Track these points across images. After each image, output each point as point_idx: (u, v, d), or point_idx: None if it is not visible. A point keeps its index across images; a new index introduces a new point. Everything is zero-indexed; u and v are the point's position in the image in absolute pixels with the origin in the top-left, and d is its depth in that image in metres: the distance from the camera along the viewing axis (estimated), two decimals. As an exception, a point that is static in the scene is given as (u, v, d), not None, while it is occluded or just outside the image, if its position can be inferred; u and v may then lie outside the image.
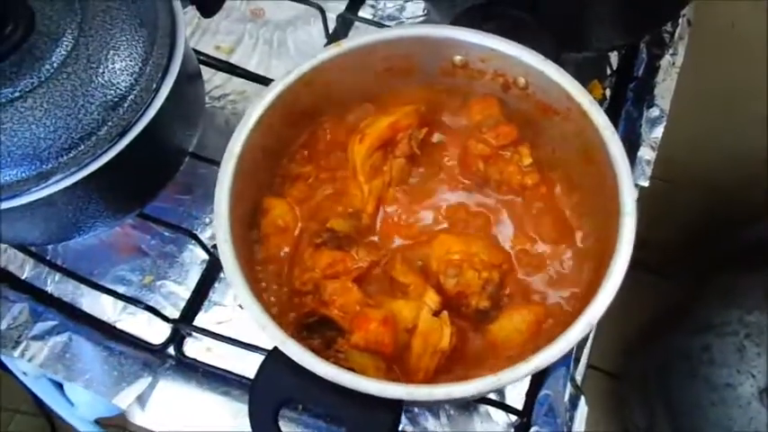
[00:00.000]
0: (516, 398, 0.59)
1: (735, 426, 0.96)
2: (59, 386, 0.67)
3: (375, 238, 0.54)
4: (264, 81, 0.72)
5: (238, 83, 0.77)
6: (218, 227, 0.48)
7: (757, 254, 1.10)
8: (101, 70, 0.53)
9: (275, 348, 0.44)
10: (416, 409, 0.60)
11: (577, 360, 0.59)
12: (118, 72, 0.54)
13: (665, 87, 0.71)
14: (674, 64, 0.72)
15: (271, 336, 0.44)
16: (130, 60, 0.54)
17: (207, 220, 0.70)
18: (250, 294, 0.45)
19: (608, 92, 0.74)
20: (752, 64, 0.99)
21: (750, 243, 1.15)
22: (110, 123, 0.53)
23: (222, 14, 0.82)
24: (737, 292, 1.05)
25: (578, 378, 0.58)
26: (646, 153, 0.67)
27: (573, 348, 0.44)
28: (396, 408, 0.44)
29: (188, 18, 0.81)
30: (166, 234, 0.69)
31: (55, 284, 0.68)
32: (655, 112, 0.70)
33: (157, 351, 0.64)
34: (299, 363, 0.43)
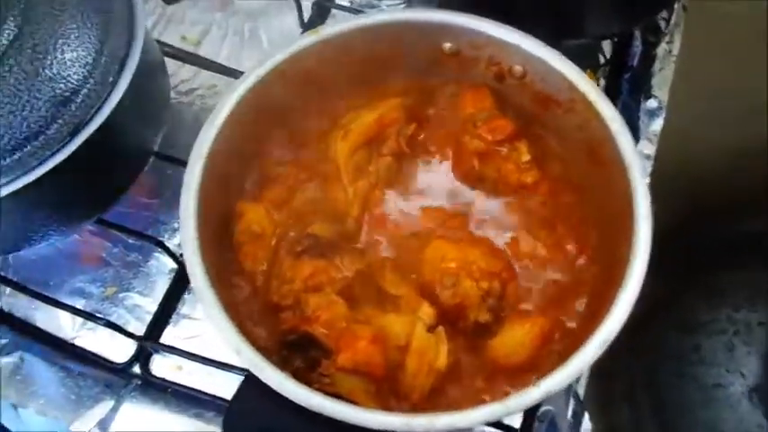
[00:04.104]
0: (514, 414, 0.54)
1: (725, 426, 0.95)
2: (14, 405, 0.61)
3: (361, 245, 0.49)
4: (235, 74, 0.67)
5: (207, 76, 0.72)
6: (186, 237, 0.43)
7: (745, 250, 1.09)
8: (48, 61, 0.47)
9: (252, 373, 0.39)
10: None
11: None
12: (68, 63, 0.48)
13: (663, 77, 0.68)
14: (670, 52, 0.69)
15: (246, 360, 0.39)
16: (82, 50, 0.49)
17: (175, 225, 0.64)
18: (222, 313, 0.40)
19: (602, 82, 0.70)
20: (744, 52, 0.96)
21: (737, 238, 1.13)
22: (60, 121, 0.47)
23: (188, 2, 0.77)
24: (725, 290, 1.04)
25: (581, 392, 0.54)
26: (645, 147, 0.64)
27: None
28: (389, 437, 0.39)
29: (150, 6, 0.75)
30: (130, 241, 0.63)
31: (5, 298, 0.62)
32: (653, 103, 0.66)
33: (121, 370, 0.58)
34: (278, 391, 0.38)
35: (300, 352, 0.44)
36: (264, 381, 0.38)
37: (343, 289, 0.46)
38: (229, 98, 0.47)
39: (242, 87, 0.47)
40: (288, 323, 0.44)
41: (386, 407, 0.42)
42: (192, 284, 0.41)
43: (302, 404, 0.38)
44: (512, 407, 0.37)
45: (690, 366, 0.99)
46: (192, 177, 0.44)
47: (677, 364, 1.00)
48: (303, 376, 0.42)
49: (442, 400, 0.43)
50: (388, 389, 0.43)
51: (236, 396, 0.40)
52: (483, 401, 0.42)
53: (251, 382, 0.40)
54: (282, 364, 0.44)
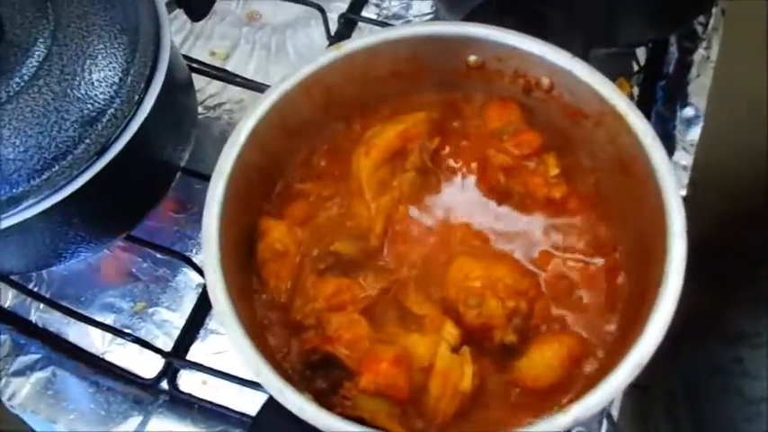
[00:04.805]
0: (545, 435, 0.53)
1: (772, 442, 0.90)
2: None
3: (384, 263, 0.48)
4: (261, 88, 0.67)
5: (235, 91, 0.72)
6: (207, 256, 0.42)
7: (790, 257, 1.03)
8: (76, 82, 0.48)
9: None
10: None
11: (613, 391, 0.53)
12: (95, 84, 0.48)
13: (700, 84, 0.65)
14: (708, 58, 0.66)
15: (266, 383, 0.38)
16: (109, 70, 0.49)
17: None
18: (245, 338, 0.40)
19: (635, 90, 0.68)
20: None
21: (782, 246, 1.08)
22: (87, 141, 0.48)
23: (216, 18, 0.77)
24: (768, 299, 0.99)
25: (614, 414, 0.52)
26: (682, 158, 0.61)
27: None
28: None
29: (179, 23, 0.76)
30: (159, 256, 0.64)
31: (39, 313, 0.63)
32: (689, 111, 0.63)
33: (149, 386, 0.58)
34: (299, 416, 0.37)
35: (323, 372, 0.43)
36: (285, 405, 0.38)
37: (367, 308, 0.45)
38: (251, 116, 0.46)
39: (264, 105, 0.47)
40: (310, 343, 0.44)
41: (412, 430, 0.41)
42: (214, 308, 0.41)
43: (324, 429, 0.37)
44: (537, 434, 0.36)
45: (733, 379, 0.95)
46: (215, 198, 0.44)
47: (719, 377, 0.96)
48: (326, 398, 0.42)
49: (467, 424, 0.42)
50: (413, 412, 0.42)
51: (257, 418, 0.40)
52: (510, 426, 0.41)
53: (272, 407, 0.39)
54: (305, 384, 0.43)
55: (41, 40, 0.49)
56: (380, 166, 0.49)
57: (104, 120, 0.48)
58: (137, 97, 0.50)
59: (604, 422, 0.51)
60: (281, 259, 0.47)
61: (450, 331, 0.43)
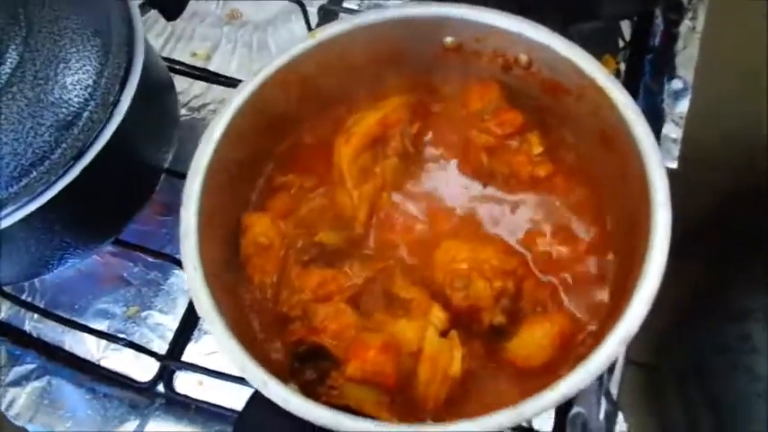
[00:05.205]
0: (544, 417, 0.52)
1: (787, 419, 0.89)
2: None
3: (370, 251, 0.47)
4: (244, 85, 0.67)
5: (218, 91, 0.71)
6: (186, 255, 0.42)
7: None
8: (50, 87, 0.47)
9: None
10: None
11: (611, 370, 0.52)
12: (69, 87, 0.48)
13: (687, 56, 0.64)
14: (694, 29, 0.65)
15: (250, 377, 0.38)
16: (83, 73, 0.49)
17: (192, 241, 0.64)
18: (225, 331, 0.39)
19: (622, 66, 0.67)
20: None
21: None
22: (64, 145, 0.47)
23: (197, 19, 0.77)
24: (772, 275, 0.98)
25: (614, 391, 0.51)
26: (671, 130, 0.60)
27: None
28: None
29: (160, 27, 0.76)
30: (149, 260, 0.64)
31: (34, 323, 0.63)
32: (677, 84, 0.62)
33: (145, 390, 0.58)
34: (283, 407, 0.36)
35: (311, 364, 0.43)
36: (269, 397, 0.37)
37: (353, 297, 0.44)
38: (225, 111, 0.46)
39: (237, 99, 0.46)
40: (296, 334, 0.43)
41: (401, 418, 0.41)
42: (195, 306, 0.40)
43: (309, 419, 0.36)
44: (526, 412, 0.35)
45: (742, 356, 0.94)
46: (191, 196, 0.43)
47: (729, 355, 0.95)
48: (315, 388, 0.41)
49: (459, 408, 0.41)
50: (403, 399, 0.41)
51: (243, 413, 0.40)
52: (503, 408, 0.40)
53: (259, 398, 0.39)
54: (293, 375, 0.43)
55: (13, 46, 0.48)
56: (361, 153, 0.48)
57: (80, 123, 0.48)
58: (111, 99, 0.49)
59: (603, 400, 0.50)
60: (266, 253, 0.47)
61: (438, 315, 0.42)
